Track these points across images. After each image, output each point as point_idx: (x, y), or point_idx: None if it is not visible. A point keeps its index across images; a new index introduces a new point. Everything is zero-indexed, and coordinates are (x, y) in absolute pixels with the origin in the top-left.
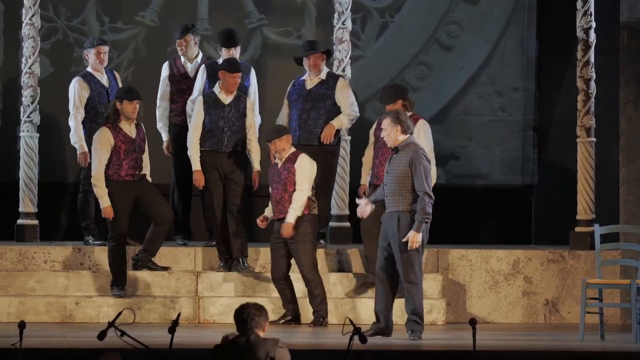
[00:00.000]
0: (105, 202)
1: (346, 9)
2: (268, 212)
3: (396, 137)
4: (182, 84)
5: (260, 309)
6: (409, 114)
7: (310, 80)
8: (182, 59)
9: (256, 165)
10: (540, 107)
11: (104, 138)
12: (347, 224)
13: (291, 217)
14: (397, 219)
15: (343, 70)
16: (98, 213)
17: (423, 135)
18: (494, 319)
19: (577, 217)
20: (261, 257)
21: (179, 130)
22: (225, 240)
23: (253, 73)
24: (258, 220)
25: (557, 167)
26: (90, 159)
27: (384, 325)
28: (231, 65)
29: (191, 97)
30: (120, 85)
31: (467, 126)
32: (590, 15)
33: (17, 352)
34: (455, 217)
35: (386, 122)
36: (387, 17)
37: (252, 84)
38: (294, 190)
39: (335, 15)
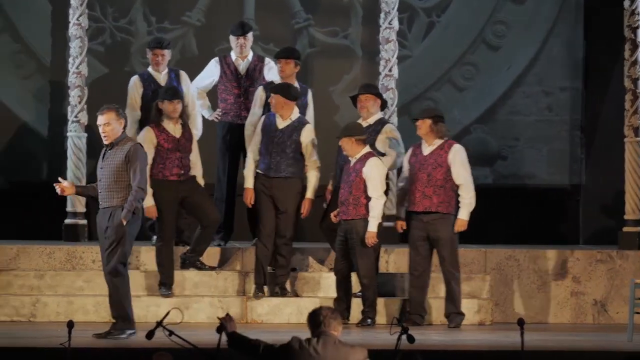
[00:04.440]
0: (148, 202)
1: (393, 9)
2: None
3: (118, 132)
4: (233, 82)
5: (334, 312)
6: (444, 139)
7: (363, 122)
8: (234, 56)
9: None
10: (587, 106)
11: (147, 137)
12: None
13: (373, 226)
14: (109, 214)
15: (390, 70)
16: None
17: (459, 161)
18: (542, 319)
19: (625, 217)
20: (308, 257)
21: (228, 128)
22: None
23: (310, 95)
24: (332, 215)
25: (605, 167)
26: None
27: None
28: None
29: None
30: (183, 85)
31: (514, 126)
32: (638, 14)
33: (65, 351)
34: (503, 217)
35: (110, 116)
36: (433, 16)
37: (310, 105)
38: (360, 194)
39: (382, 15)
